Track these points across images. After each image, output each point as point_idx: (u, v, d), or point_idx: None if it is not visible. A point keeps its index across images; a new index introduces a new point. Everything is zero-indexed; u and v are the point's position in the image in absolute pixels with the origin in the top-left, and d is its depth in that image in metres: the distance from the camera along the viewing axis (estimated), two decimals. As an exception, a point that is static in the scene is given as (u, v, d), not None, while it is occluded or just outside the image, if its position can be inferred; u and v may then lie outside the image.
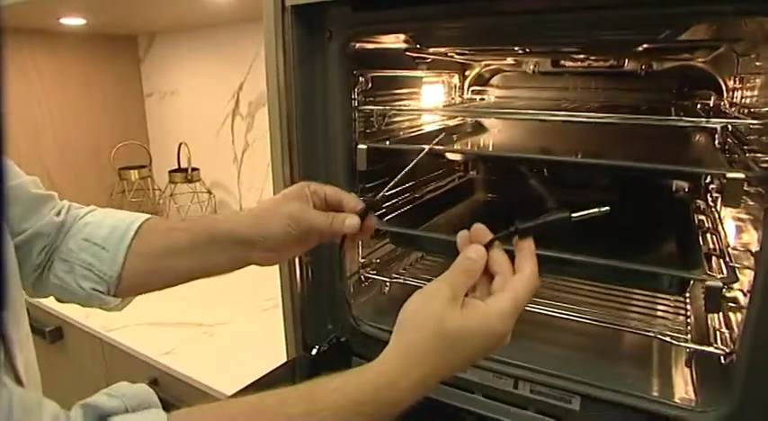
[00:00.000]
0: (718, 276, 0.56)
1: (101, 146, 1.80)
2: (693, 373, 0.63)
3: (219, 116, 1.70)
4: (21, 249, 0.58)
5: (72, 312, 1.30)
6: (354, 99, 0.74)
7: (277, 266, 0.78)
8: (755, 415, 0.53)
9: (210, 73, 1.69)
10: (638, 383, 0.62)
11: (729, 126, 0.60)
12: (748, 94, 0.78)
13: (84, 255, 0.60)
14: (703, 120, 0.58)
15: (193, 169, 1.69)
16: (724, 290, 0.57)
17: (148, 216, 0.64)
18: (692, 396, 0.60)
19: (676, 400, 0.59)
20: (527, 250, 0.48)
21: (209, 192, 1.72)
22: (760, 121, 0.54)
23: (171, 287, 0.65)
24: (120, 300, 0.63)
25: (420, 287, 0.48)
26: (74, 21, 1.45)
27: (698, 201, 0.91)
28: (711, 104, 0.89)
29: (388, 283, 0.81)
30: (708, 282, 0.55)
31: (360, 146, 0.69)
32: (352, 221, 0.59)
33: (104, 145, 1.79)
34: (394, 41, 0.79)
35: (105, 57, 1.78)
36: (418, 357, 0.44)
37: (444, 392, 0.69)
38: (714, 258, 0.63)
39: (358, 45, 0.71)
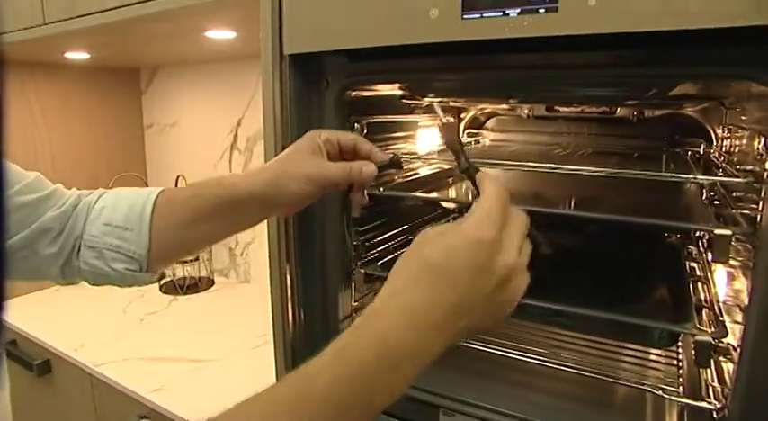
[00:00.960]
0: (709, 331, 0.56)
1: (99, 176, 1.80)
2: (686, 427, 0.63)
3: (218, 149, 1.72)
4: (22, 251, 0.59)
5: (61, 345, 1.29)
6: (350, 145, 0.75)
7: (269, 304, 0.78)
8: (747, 473, 0.52)
9: (210, 107, 1.72)
10: (631, 436, 0.62)
11: (724, 184, 0.61)
12: (737, 143, 0.80)
13: (108, 238, 0.62)
14: (691, 177, 0.59)
15: (190, 201, 1.69)
16: (716, 342, 0.57)
17: (160, 189, 0.66)
18: (685, 450, 0.60)
19: (669, 455, 0.58)
20: (482, 177, 0.48)
21: (206, 225, 1.72)
22: (745, 180, 0.55)
23: (201, 251, 0.67)
24: (152, 273, 0.65)
25: None
26: (78, 55, 1.47)
27: (690, 246, 0.91)
28: (702, 152, 0.90)
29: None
30: (697, 337, 0.55)
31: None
32: (369, 169, 0.61)
33: (103, 175, 1.80)
34: (390, 89, 0.80)
35: (107, 89, 1.81)
36: (399, 284, 0.42)
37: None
38: (705, 310, 0.64)
39: (354, 93, 0.72)
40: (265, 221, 0.75)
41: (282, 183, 0.61)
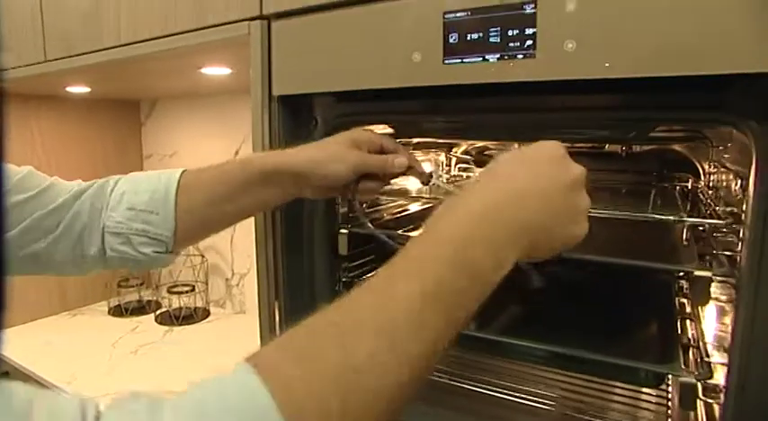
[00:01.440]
0: (694, 372, 0.56)
1: (98, 206, 1.81)
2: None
3: (216, 180, 1.73)
4: (16, 250, 0.59)
5: (54, 377, 1.28)
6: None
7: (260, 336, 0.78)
8: None
9: (208, 138, 1.74)
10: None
11: (705, 225, 0.61)
12: (723, 178, 0.81)
13: (134, 223, 0.62)
14: (672, 218, 0.59)
15: (187, 232, 1.70)
16: (703, 383, 0.57)
17: (181, 170, 0.66)
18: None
19: None
20: None
21: (202, 256, 1.73)
22: (725, 221, 0.55)
23: (224, 229, 0.69)
24: (174, 254, 0.66)
25: None
26: (79, 89, 1.50)
27: (681, 281, 0.91)
28: (690, 187, 0.91)
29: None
30: (681, 378, 0.55)
31: (341, 230, 0.70)
32: (401, 160, 0.64)
33: (101, 205, 1.81)
34: (381, 129, 0.81)
35: (108, 120, 1.83)
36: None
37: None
38: (692, 350, 0.63)
39: (343, 132, 0.73)
40: (254, 257, 0.76)
41: (326, 166, 0.61)
